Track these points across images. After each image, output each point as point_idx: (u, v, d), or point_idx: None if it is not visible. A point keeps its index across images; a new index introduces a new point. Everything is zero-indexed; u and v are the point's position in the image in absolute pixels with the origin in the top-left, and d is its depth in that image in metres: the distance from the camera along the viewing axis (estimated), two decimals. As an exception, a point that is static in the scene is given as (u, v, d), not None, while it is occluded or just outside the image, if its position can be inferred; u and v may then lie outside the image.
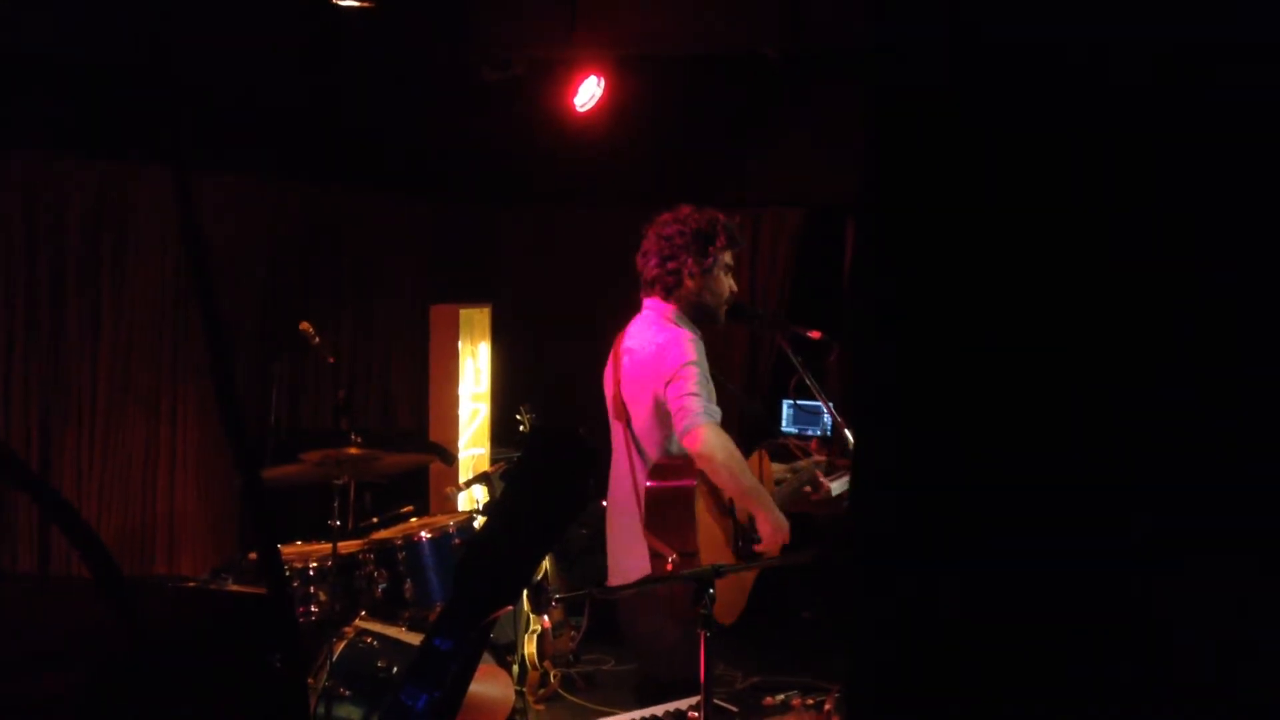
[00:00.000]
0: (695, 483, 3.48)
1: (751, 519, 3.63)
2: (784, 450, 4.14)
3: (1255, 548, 0.68)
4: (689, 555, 3.40)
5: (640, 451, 3.66)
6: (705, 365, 3.61)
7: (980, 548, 0.75)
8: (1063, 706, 0.73)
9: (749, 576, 3.69)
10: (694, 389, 3.50)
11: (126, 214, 5.86)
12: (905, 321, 0.79)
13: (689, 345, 3.58)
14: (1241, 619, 0.69)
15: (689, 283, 3.69)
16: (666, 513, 3.51)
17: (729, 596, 3.38)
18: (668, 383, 3.54)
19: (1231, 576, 0.69)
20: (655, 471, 3.59)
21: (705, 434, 3.44)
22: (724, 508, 3.58)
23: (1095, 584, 0.72)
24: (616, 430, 3.76)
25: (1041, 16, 0.74)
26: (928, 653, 0.78)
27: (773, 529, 3.58)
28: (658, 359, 3.59)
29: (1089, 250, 0.72)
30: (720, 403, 3.61)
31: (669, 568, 3.40)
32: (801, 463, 3.99)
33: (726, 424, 3.59)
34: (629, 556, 3.62)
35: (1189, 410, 0.69)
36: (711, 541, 3.50)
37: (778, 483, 3.91)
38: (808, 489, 3.93)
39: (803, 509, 3.99)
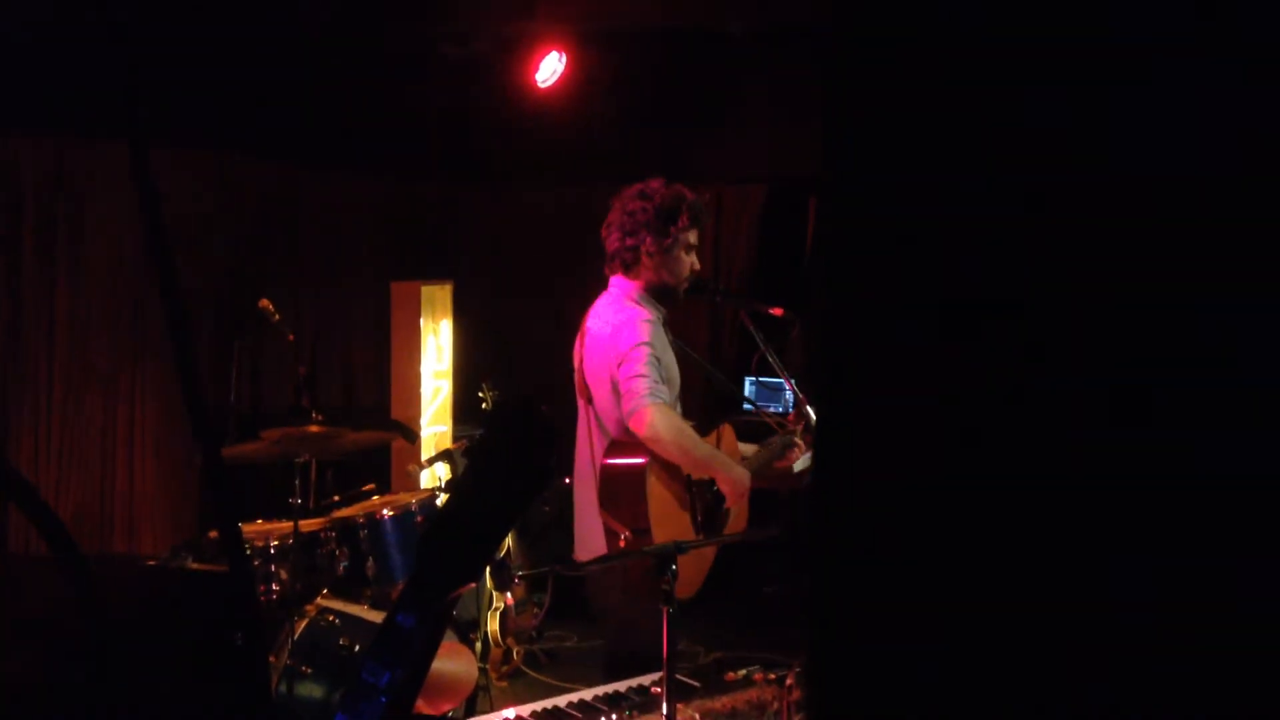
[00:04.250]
0: (646, 460, 3.50)
1: (714, 483, 3.67)
2: (763, 427, 4.13)
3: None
4: (641, 532, 3.43)
5: (602, 429, 3.68)
6: (660, 345, 3.62)
7: (943, 527, 0.76)
8: (1028, 685, 0.74)
9: (709, 553, 3.72)
10: (641, 370, 3.52)
11: (83, 190, 5.79)
12: (866, 298, 0.80)
13: (642, 326, 3.59)
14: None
15: (647, 260, 3.70)
16: (619, 490, 3.54)
17: (688, 573, 3.41)
18: (619, 364, 3.57)
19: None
20: (611, 449, 3.61)
21: (649, 415, 3.47)
22: (681, 482, 3.60)
23: (1064, 564, 0.73)
24: (581, 407, 3.78)
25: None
26: (888, 629, 0.79)
27: (733, 485, 3.63)
28: (612, 340, 3.61)
29: (1053, 230, 0.73)
30: (688, 378, 3.62)
31: (621, 544, 3.43)
32: (774, 438, 4.00)
33: (693, 399, 3.61)
34: (592, 533, 3.65)
35: (1169, 402, 0.70)
36: (668, 517, 3.52)
37: (745, 458, 3.93)
38: (779, 463, 3.95)
39: (765, 485, 4.00)
